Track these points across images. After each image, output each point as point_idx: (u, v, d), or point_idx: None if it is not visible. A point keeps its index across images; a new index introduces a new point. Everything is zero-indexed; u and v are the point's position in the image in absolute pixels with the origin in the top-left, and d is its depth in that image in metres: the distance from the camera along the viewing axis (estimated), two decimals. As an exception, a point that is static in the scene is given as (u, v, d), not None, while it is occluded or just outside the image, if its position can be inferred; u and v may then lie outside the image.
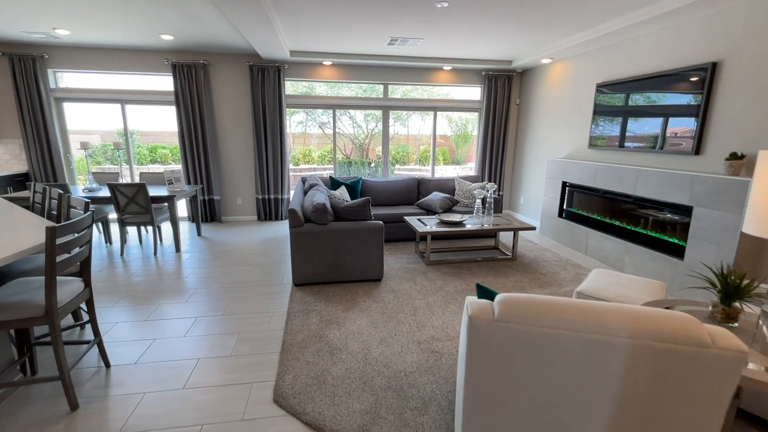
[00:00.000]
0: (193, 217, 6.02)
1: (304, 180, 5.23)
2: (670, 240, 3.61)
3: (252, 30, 4.00)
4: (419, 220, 4.46)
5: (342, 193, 4.86)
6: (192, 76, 5.47)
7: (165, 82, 5.72)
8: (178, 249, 4.58)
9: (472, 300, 1.27)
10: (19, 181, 5.37)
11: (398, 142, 6.86)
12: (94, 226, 5.71)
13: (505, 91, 6.25)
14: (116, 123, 5.80)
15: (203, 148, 5.72)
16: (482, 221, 4.39)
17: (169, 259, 4.29)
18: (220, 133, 5.88)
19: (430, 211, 5.06)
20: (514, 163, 6.74)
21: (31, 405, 1.99)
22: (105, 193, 4.42)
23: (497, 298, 1.23)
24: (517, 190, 6.65)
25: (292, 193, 6.33)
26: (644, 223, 3.90)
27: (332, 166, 6.52)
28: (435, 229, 4.07)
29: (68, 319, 2.91)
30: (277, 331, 2.77)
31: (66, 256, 1.94)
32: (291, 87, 6.07)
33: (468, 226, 4.18)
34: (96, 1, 3.50)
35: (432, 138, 6.64)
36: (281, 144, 5.89)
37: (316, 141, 6.71)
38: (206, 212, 6.01)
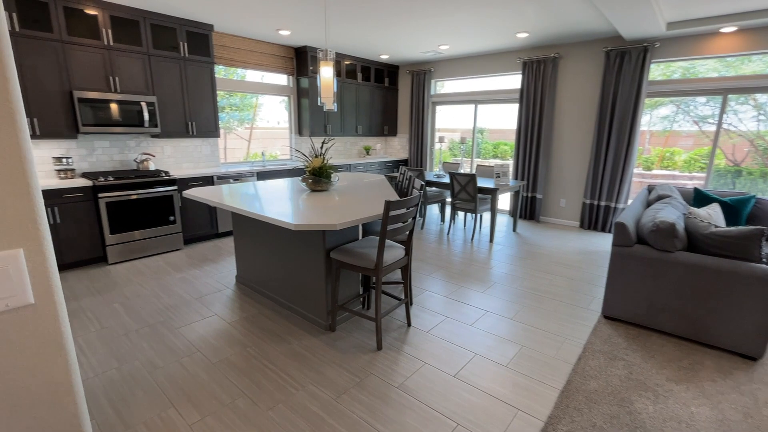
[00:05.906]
0: (512, 212, 6.13)
1: (650, 189, 4.09)
2: None
3: (619, 5, 3.36)
4: None
5: (713, 213, 3.40)
6: (540, 72, 5.40)
7: (513, 81, 5.98)
8: (491, 239, 4.79)
9: None
10: (401, 165, 7.32)
11: None
12: (435, 205, 6.98)
13: None
14: (470, 121, 6.70)
15: (536, 144, 5.62)
16: None
17: (483, 248, 4.56)
18: (556, 130, 5.56)
19: None
20: None
21: (359, 331, 2.63)
22: (447, 180, 5.23)
23: None
24: None
25: (629, 202, 5.14)
26: None
27: (704, 174, 4.73)
28: None
29: (398, 274, 3.66)
30: (564, 363, 2.30)
31: (396, 225, 2.35)
32: (658, 71, 4.79)
33: None
34: (466, 14, 4.01)
35: None
36: (628, 143, 4.84)
37: (688, 141, 5.02)
38: (525, 209, 5.96)
